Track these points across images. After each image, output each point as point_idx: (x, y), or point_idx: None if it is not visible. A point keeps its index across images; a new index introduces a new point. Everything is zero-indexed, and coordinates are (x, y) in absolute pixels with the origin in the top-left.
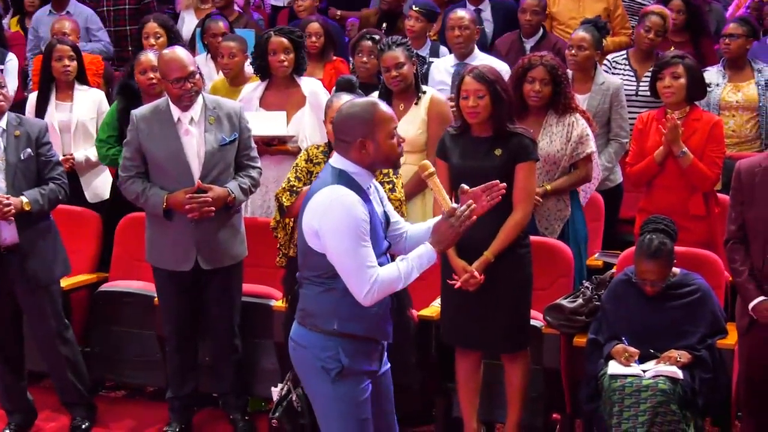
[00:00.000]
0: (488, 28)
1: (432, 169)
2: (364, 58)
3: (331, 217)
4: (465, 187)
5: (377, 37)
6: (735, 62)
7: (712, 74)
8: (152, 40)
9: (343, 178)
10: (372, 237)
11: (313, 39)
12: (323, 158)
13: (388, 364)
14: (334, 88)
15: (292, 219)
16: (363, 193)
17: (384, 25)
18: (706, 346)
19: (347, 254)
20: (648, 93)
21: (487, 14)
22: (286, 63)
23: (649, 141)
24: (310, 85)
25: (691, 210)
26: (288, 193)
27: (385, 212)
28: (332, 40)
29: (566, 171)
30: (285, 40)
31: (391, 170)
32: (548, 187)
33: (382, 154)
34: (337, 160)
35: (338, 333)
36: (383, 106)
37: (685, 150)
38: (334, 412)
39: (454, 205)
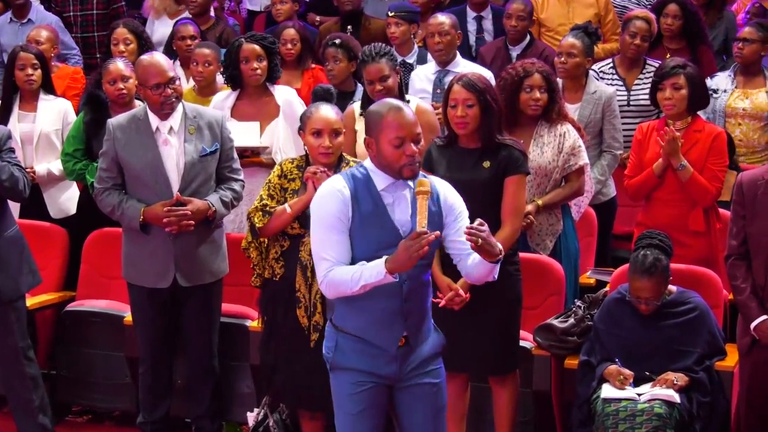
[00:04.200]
0: (488, 37)
1: (427, 188)
2: (329, 66)
3: (313, 204)
4: (466, 229)
5: (338, 41)
6: (747, 68)
7: (721, 79)
8: (122, 47)
9: (358, 172)
10: (360, 237)
11: (289, 46)
12: (298, 173)
13: (436, 380)
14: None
15: (266, 239)
16: (371, 192)
17: (349, 27)
18: (704, 367)
19: (314, 241)
20: (640, 102)
21: (488, 23)
22: (258, 71)
23: (649, 152)
24: (284, 94)
25: (690, 225)
26: (260, 213)
27: (415, 220)
28: (310, 47)
29: (557, 184)
30: (257, 47)
31: None
32: (539, 202)
33: (384, 159)
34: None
35: (336, 326)
36: (399, 114)
37: (685, 163)
38: (334, 400)
39: (423, 230)
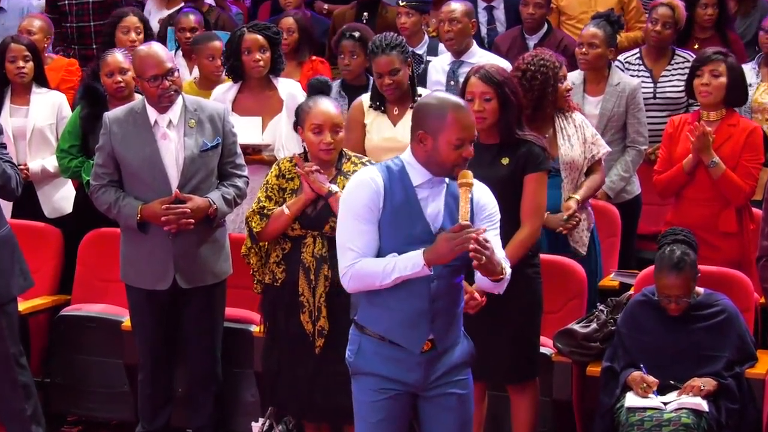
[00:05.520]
0: (500, 28)
1: (470, 180)
2: (346, 60)
3: (344, 192)
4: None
5: (357, 34)
6: None
7: (745, 72)
8: (133, 35)
9: (393, 164)
10: (389, 229)
11: (285, 36)
12: (297, 172)
13: (463, 391)
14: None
15: (266, 243)
16: (405, 185)
17: (365, 14)
18: (734, 374)
19: (341, 230)
20: (667, 95)
21: (500, 13)
22: (261, 63)
23: (680, 147)
24: (288, 88)
25: (720, 226)
26: (258, 216)
27: (448, 218)
28: (309, 38)
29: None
30: (260, 38)
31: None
32: (578, 197)
33: (439, 157)
34: (407, 149)
35: (359, 326)
36: (462, 114)
37: (716, 160)
38: (354, 406)
39: (466, 222)
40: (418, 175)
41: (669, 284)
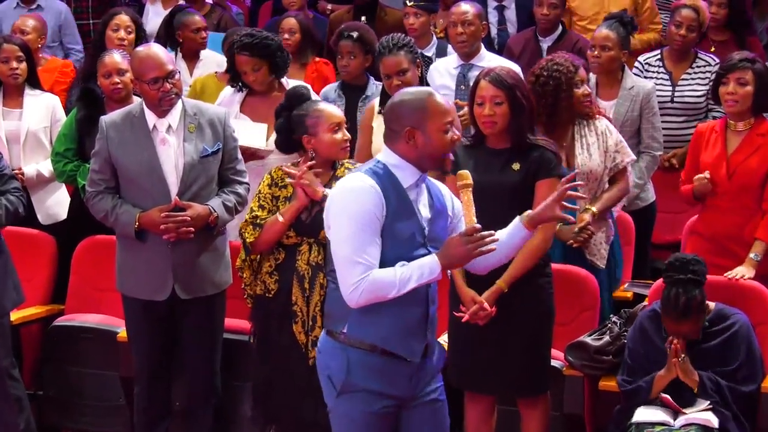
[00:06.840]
0: (511, 29)
1: (469, 180)
2: (344, 61)
3: (338, 202)
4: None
5: (355, 34)
6: None
7: None
8: (123, 33)
9: (378, 169)
10: (390, 237)
11: (287, 36)
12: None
13: (441, 396)
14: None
15: (259, 255)
16: (397, 189)
17: (363, 18)
18: (727, 385)
19: (344, 242)
20: (685, 99)
21: (511, 14)
22: (256, 82)
23: (705, 156)
24: None
25: (747, 236)
26: (251, 226)
27: (433, 218)
28: (311, 39)
29: (604, 186)
30: (248, 58)
31: None
32: (594, 210)
33: (432, 147)
34: (382, 152)
35: (348, 340)
36: (439, 99)
37: (754, 256)
38: (337, 427)
39: (478, 225)
40: (407, 176)
41: (675, 330)
